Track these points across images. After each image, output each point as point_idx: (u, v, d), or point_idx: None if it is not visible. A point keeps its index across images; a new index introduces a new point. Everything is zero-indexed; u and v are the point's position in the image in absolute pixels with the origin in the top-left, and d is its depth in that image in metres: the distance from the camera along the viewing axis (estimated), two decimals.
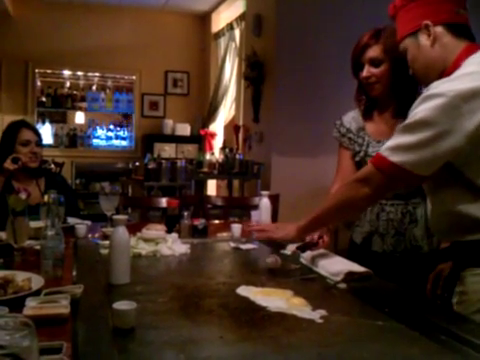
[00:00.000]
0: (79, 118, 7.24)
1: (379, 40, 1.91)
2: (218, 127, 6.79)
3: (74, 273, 1.67)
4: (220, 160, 5.15)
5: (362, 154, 2.01)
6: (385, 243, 1.98)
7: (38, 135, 2.74)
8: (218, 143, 6.48)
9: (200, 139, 6.86)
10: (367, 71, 1.93)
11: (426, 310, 1.39)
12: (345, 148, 2.09)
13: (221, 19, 6.69)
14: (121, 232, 1.61)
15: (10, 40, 6.49)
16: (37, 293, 1.36)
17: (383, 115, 2.01)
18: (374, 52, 1.91)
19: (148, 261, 1.92)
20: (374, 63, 1.91)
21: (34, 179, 2.70)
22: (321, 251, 1.94)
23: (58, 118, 7.27)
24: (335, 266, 1.72)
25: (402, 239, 1.96)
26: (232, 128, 5.71)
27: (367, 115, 2.05)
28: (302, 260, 1.89)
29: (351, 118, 2.09)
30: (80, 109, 7.19)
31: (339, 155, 2.13)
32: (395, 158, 1.37)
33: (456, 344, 1.18)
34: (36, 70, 6.79)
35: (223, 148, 5.40)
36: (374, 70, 1.92)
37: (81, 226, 2.24)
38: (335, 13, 4.63)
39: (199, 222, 2.32)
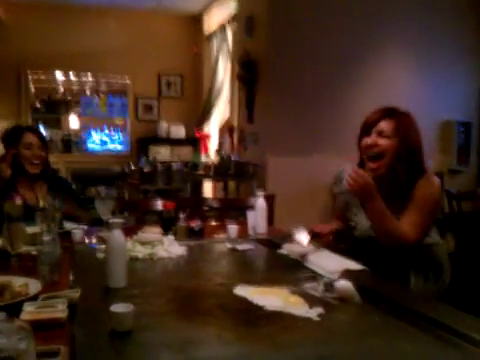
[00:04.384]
0: (73, 123, 7.22)
1: (393, 117, 1.91)
2: (213, 129, 6.79)
3: (71, 277, 1.67)
4: (215, 162, 5.15)
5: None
6: None
7: (42, 139, 2.76)
8: (213, 145, 6.48)
9: (195, 141, 6.86)
10: (373, 140, 1.91)
11: (423, 306, 1.39)
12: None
13: (213, 20, 6.69)
14: (117, 235, 1.61)
15: (1, 45, 6.46)
16: (34, 298, 1.36)
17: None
18: (386, 125, 1.90)
19: (145, 264, 1.93)
20: (383, 135, 1.90)
21: (37, 182, 2.71)
22: (318, 249, 1.95)
23: (52, 123, 7.25)
24: (332, 264, 1.73)
25: None
26: (227, 130, 5.71)
27: None
28: (298, 258, 1.89)
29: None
30: (74, 114, 7.18)
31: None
32: None
33: (453, 338, 1.19)
34: (29, 76, 6.77)
35: (218, 150, 5.40)
36: (381, 141, 1.89)
37: (77, 231, 2.24)
38: (327, 13, 4.63)
39: (195, 224, 2.32)
